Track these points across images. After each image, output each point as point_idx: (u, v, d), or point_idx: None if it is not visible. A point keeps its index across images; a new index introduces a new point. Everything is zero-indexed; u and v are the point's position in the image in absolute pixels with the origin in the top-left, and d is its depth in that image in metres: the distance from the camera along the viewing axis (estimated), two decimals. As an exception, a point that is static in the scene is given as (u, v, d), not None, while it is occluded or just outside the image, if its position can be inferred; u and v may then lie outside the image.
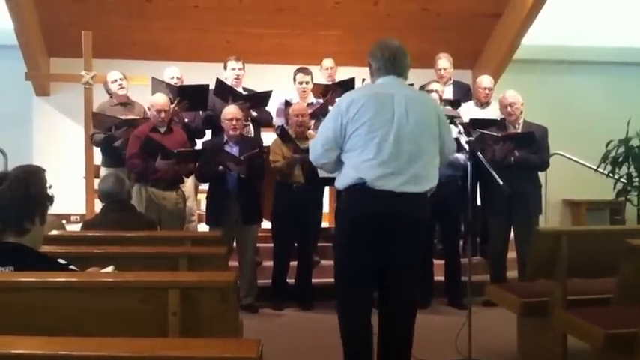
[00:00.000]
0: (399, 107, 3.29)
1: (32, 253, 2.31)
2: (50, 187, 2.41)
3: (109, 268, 2.53)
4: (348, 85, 5.82)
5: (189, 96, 5.72)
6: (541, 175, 5.90)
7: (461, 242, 5.98)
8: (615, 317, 3.22)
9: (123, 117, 5.80)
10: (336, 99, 5.35)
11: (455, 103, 6.44)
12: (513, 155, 5.52)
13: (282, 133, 5.57)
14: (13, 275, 2.22)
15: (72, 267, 2.36)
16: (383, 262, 3.32)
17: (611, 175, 7.09)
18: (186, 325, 2.09)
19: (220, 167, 5.34)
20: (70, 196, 5.92)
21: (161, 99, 5.42)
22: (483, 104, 6.51)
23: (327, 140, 3.39)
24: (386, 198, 3.24)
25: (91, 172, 6.57)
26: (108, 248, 3.31)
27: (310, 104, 6.03)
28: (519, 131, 5.64)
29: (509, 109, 5.64)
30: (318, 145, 3.46)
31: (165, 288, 2.09)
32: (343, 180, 3.38)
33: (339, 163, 3.42)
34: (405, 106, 3.30)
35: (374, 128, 3.26)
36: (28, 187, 2.28)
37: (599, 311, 3.35)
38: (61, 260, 2.37)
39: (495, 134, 5.53)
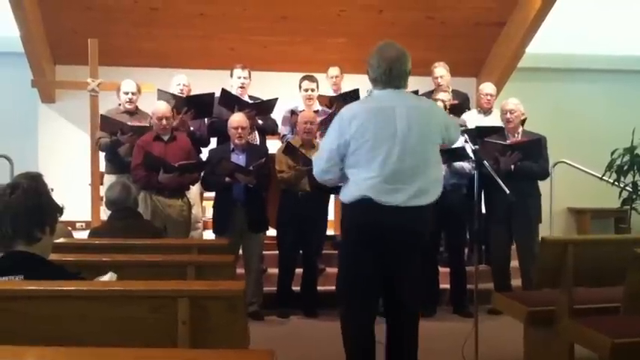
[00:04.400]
0: (402, 121, 3.26)
1: (42, 261, 2.32)
2: (52, 190, 2.42)
3: (107, 276, 2.53)
4: (352, 97, 5.76)
5: (196, 105, 5.74)
6: (546, 183, 5.90)
7: (466, 250, 5.98)
8: (623, 326, 3.21)
9: (130, 124, 5.81)
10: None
11: (458, 108, 6.43)
12: (515, 164, 5.51)
13: (289, 149, 5.52)
14: (23, 284, 2.22)
15: (82, 276, 2.37)
16: (388, 272, 3.33)
17: (616, 183, 7.08)
18: (196, 334, 2.09)
19: (227, 179, 5.32)
20: (75, 203, 5.91)
21: (162, 106, 5.43)
22: (486, 111, 6.51)
23: (330, 155, 3.36)
24: (390, 212, 3.23)
25: (97, 179, 6.58)
26: (115, 256, 3.32)
27: (316, 112, 6.04)
28: (520, 139, 5.64)
29: (508, 115, 5.66)
30: (322, 160, 3.43)
31: (175, 297, 2.09)
32: (347, 195, 3.37)
33: (342, 176, 3.41)
34: (407, 118, 3.26)
35: (377, 145, 3.24)
36: (40, 196, 2.29)
37: (607, 320, 3.34)
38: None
39: (503, 143, 5.53)
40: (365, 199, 3.25)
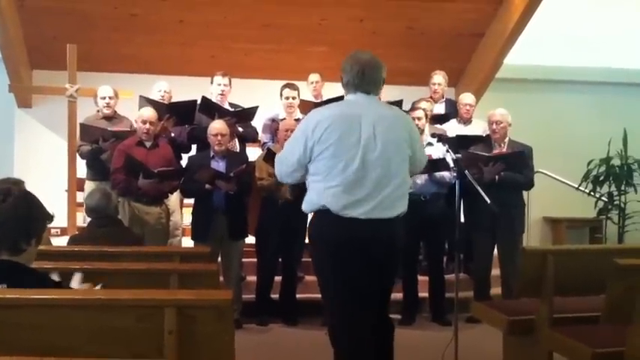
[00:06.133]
0: (367, 129, 3.13)
1: (26, 270, 2.28)
2: None
3: (76, 277, 2.48)
4: None
5: (177, 112, 5.72)
6: (523, 192, 5.95)
7: (444, 259, 6.00)
8: (603, 336, 3.23)
9: (110, 129, 5.77)
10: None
11: (441, 119, 6.49)
12: (499, 174, 5.55)
13: (270, 156, 5.50)
14: (6, 292, 2.18)
15: (66, 284, 2.34)
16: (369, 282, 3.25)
17: (592, 193, 7.18)
18: (182, 344, 2.08)
19: (208, 186, 5.29)
20: (51, 209, 5.84)
21: (148, 111, 5.44)
22: (466, 121, 6.57)
23: (291, 162, 3.25)
24: (354, 225, 3.10)
25: (74, 185, 6.50)
26: (96, 264, 3.29)
27: (297, 120, 6.04)
28: (505, 150, 5.68)
29: (494, 126, 5.68)
30: (283, 164, 3.34)
31: (162, 307, 2.07)
32: (309, 205, 3.27)
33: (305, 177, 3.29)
34: (374, 127, 3.14)
35: (339, 152, 3.10)
36: (31, 205, 2.25)
37: (587, 330, 3.36)
38: (54, 277, 2.34)
39: (486, 154, 5.56)
40: (324, 209, 3.14)
